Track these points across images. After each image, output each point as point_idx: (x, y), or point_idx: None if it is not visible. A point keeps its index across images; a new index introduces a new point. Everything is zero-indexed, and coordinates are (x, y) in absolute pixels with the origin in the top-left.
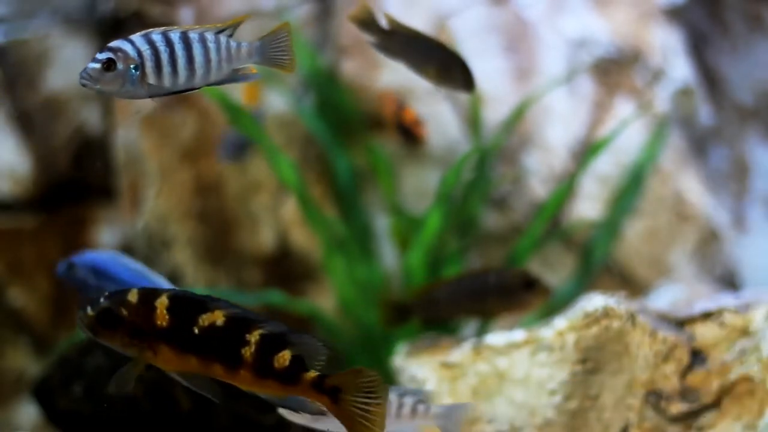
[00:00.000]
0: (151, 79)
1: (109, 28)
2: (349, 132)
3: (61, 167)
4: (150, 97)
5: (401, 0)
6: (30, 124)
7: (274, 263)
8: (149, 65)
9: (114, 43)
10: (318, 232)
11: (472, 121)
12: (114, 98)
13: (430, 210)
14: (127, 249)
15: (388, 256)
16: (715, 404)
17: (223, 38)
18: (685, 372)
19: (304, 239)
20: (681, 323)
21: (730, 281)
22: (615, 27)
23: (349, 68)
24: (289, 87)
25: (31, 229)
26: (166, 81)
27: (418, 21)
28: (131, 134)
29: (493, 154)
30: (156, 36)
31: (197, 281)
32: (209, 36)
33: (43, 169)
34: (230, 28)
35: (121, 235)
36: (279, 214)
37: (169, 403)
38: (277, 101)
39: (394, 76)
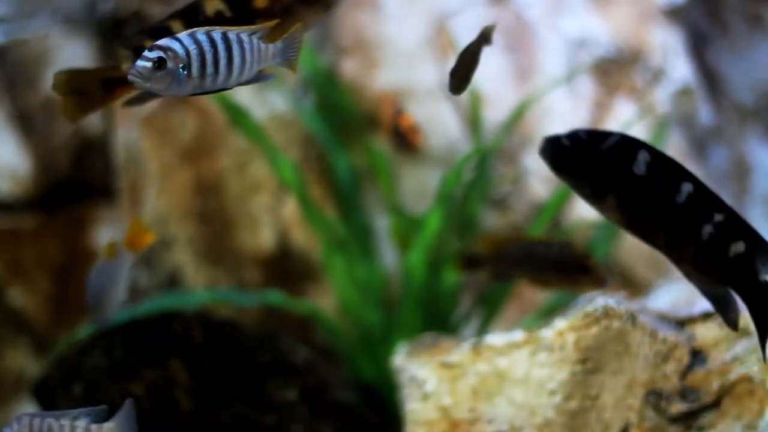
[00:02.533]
0: (195, 78)
1: (109, 28)
2: (349, 132)
3: (61, 167)
4: (191, 95)
5: (401, 0)
6: (30, 124)
7: (274, 263)
8: (195, 65)
9: (163, 42)
10: (318, 232)
11: (472, 121)
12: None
13: (430, 210)
14: None
15: (388, 256)
16: (715, 404)
17: (255, 39)
18: (685, 372)
19: (304, 239)
20: (681, 323)
21: None
22: (615, 27)
23: (349, 68)
24: (289, 87)
25: (31, 229)
26: (208, 81)
27: (418, 21)
28: (131, 134)
29: (493, 154)
30: (201, 36)
31: (197, 281)
32: (244, 37)
33: (43, 169)
34: (262, 30)
35: (121, 235)
36: (279, 214)
37: (169, 404)
38: (277, 101)
39: (394, 76)
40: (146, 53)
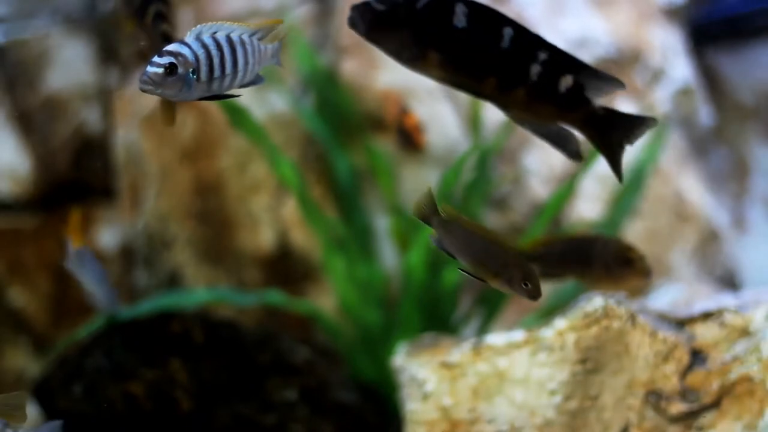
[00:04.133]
0: (204, 82)
1: (109, 28)
2: (349, 132)
3: (61, 167)
4: (198, 99)
5: None
6: (30, 124)
7: (274, 263)
8: (204, 69)
9: (172, 47)
10: (318, 232)
11: (473, 121)
12: (113, 98)
13: None
14: (127, 249)
15: (388, 256)
16: (715, 404)
17: (254, 40)
18: (685, 372)
19: (304, 239)
20: (681, 323)
21: (730, 281)
22: (615, 27)
23: (349, 68)
24: (289, 87)
25: (31, 229)
26: (215, 84)
27: None
28: (131, 134)
29: (494, 154)
30: (207, 39)
31: (197, 281)
32: (245, 38)
33: (43, 169)
34: (261, 30)
35: (121, 235)
36: (279, 214)
37: (170, 404)
38: (277, 101)
39: (394, 76)
40: (156, 59)
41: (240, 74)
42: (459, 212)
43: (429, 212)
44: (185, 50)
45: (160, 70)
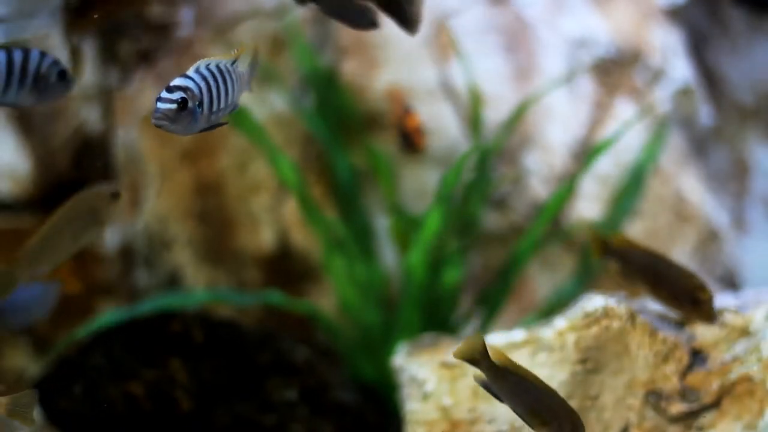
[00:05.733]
0: (206, 113)
1: (108, 28)
2: (349, 132)
3: (61, 167)
4: (199, 131)
5: None
6: (30, 124)
7: (274, 263)
8: (206, 100)
9: (179, 82)
10: (318, 232)
11: (472, 121)
12: (114, 98)
13: (430, 210)
14: (127, 249)
15: (388, 256)
16: (715, 404)
17: (235, 68)
18: (685, 372)
19: (304, 239)
20: (681, 323)
21: (730, 281)
22: (615, 27)
23: (349, 68)
24: (289, 87)
25: (31, 229)
26: (213, 115)
27: None
28: (131, 134)
29: (493, 154)
30: (204, 71)
31: (197, 281)
32: (229, 66)
33: (43, 169)
34: (242, 56)
35: (121, 235)
36: (279, 214)
37: (170, 404)
38: (277, 101)
39: (394, 76)
40: (166, 95)
41: (229, 103)
42: (509, 360)
43: (479, 356)
44: (190, 83)
45: (174, 106)
